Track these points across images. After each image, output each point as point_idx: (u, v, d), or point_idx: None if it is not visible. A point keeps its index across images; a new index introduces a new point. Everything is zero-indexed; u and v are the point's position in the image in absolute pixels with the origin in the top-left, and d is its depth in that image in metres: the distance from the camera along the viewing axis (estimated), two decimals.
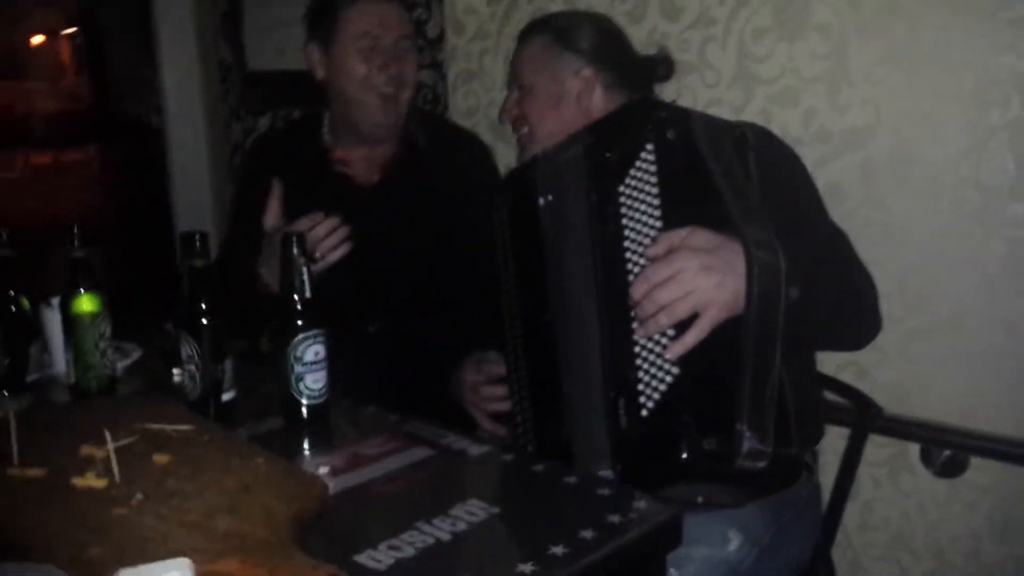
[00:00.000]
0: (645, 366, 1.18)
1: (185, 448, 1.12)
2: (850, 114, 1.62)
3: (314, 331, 1.26)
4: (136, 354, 1.52)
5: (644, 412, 1.17)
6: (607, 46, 1.54)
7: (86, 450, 1.09)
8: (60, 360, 1.41)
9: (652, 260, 1.14)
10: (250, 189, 1.83)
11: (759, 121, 1.61)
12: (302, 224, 1.49)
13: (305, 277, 1.26)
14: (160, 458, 1.08)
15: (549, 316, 1.30)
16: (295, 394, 1.26)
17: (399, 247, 1.76)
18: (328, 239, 1.51)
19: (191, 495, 1.00)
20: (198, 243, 1.25)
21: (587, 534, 0.96)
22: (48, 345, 1.44)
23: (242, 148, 2.88)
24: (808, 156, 1.52)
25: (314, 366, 1.26)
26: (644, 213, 1.20)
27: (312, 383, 1.27)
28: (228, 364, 1.28)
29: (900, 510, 1.73)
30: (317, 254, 1.47)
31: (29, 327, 1.40)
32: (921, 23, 1.54)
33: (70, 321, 1.35)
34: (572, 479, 1.10)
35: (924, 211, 1.57)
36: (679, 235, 1.14)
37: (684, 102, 1.98)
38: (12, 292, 1.38)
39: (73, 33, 7.55)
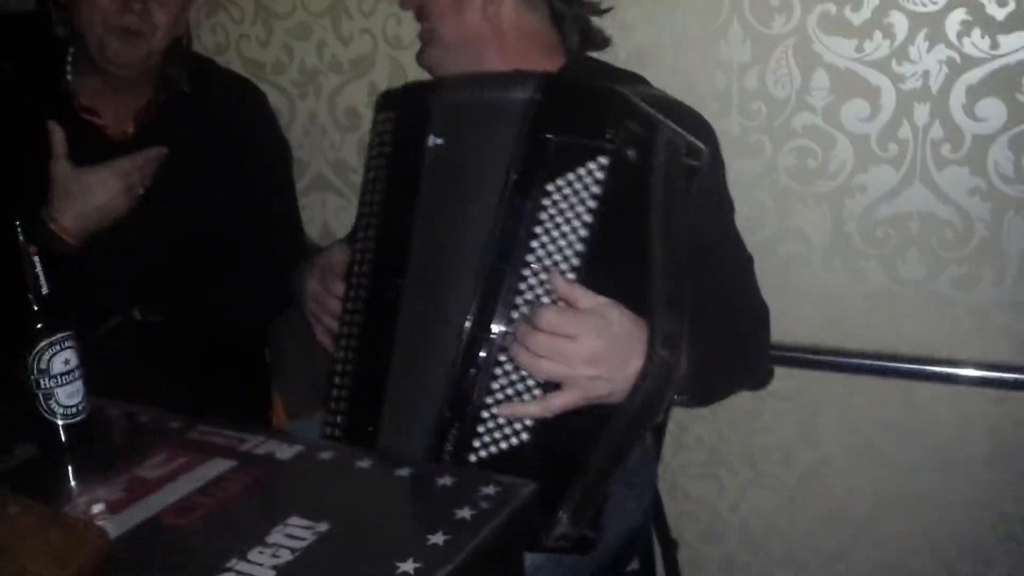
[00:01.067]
0: (493, 408, 1.05)
1: None
2: None
3: (60, 334, 1.01)
4: None
5: (473, 457, 1.05)
6: None
7: None
8: None
9: (560, 300, 1.02)
10: None
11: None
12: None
13: (39, 269, 1.00)
14: None
15: (403, 283, 1.12)
16: (47, 415, 1.02)
17: (161, 210, 1.50)
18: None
19: None
20: None
21: (437, 539, 0.82)
22: None
23: None
24: None
25: (66, 377, 1.02)
26: (564, 231, 1.04)
27: (67, 398, 1.02)
28: None
29: (713, 427, 1.74)
30: None
31: None
32: None
33: None
34: (405, 472, 0.96)
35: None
36: (597, 300, 1.02)
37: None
38: None
39: None
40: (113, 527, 0.87)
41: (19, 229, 0.99)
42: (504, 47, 1.30)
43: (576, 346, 1.00)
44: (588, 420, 1.03)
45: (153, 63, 1.52)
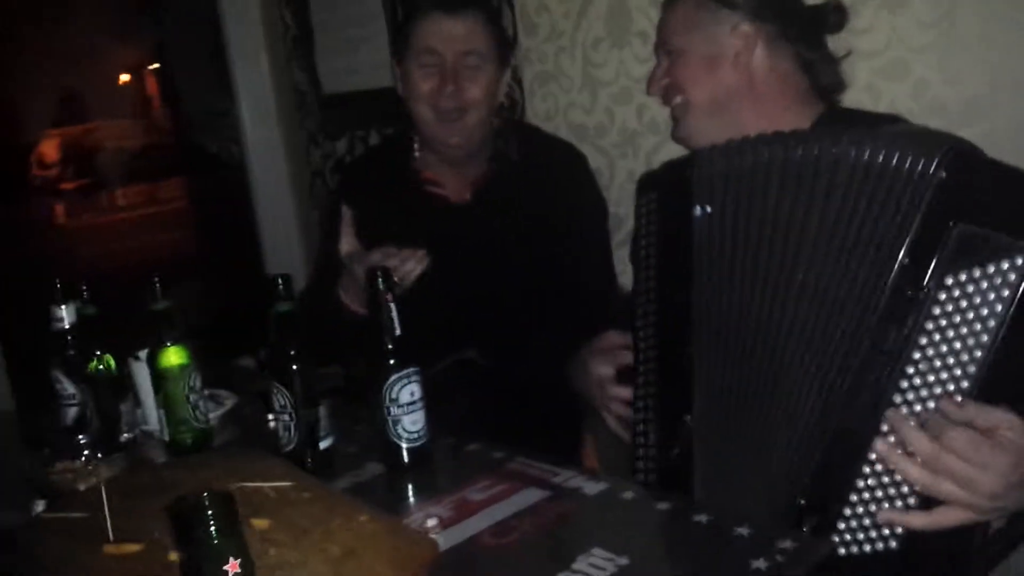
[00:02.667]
0: (860, 507, 1.02)
1: (284, 508, 1.04)
2: None
3: (408, 370, 1.18)
4: (230, 402, 1.47)
5: (839, 551, 1.02)
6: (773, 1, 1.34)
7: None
8: (153, 416, 1.37)
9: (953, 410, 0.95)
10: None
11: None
12: (374, 258, 1.42)
13: (394, 314, 1.18)
14: (259, 523, 1.01)
15: (692, 350, 1.15)
16: (394, 438, 1.19)
17: (496, 266, 1.68)
18: (406, 264, 1.43)
19: (295, 565, 0.93)
20: (281, 287, 1.19)
21: None
22: (140, 401, 1.40)
23: (322, 174, 2.85)
24: None
25: (411, 407, 1.18)
26: (963, 333, 0.97)
27: (410, 425, 1.19)
28: (322, 410, 1.22)
29: None
30: (396, 278, 1.40)
31: (117, 385, 1.36)
32: None
33: (158, 376, 1.30)
34: (703, 518, 0.99)
35: None
36: (1003, 419, 0.93)
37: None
38: (97, 351, 1.34)
39: (155, 69, 7.76)
40: (442, 540, 1.00)
41: (379, 279, 1.18)
42: (759, 98, 1.30)
43: (986, 479, 0.93)
44: (963, 535, 0.97)
45: (479, 138, 1.71)
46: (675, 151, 1.91)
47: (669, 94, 1.40)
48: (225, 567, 0.66)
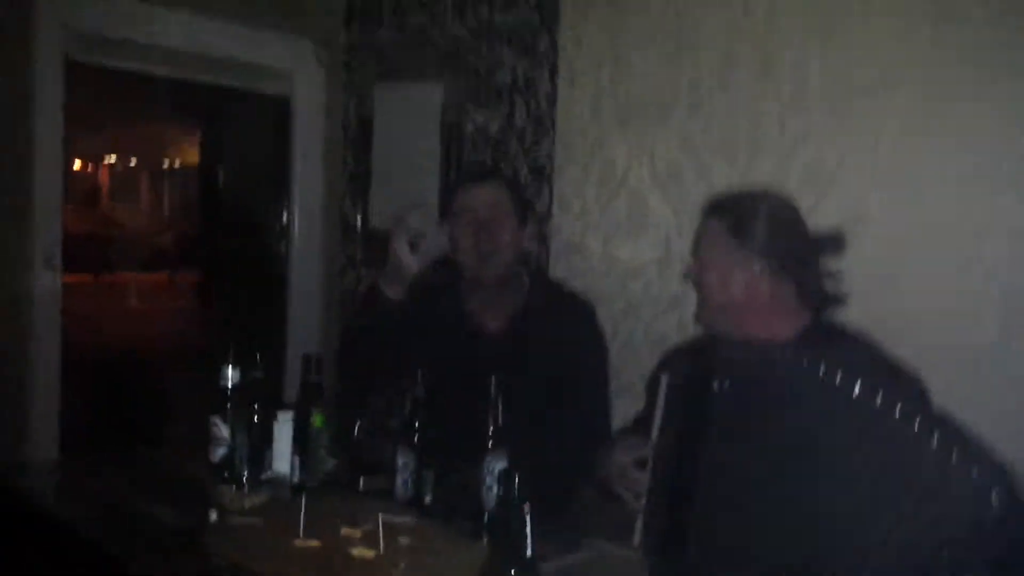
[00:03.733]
0: None
1: (415, 532, 1.49)
2: None
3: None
4: (332, 462, 1.90)
5: None
6: (780, 236, 1.67)
7: (345, 531, 1.47)
8: (284, 463, 1.79)
9: None
10: (397, 320, 2.24)
11: None
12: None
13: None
14: (403, 539, 1.45)
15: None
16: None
17: (517, 383, 2.15)
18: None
19: (438, 569, 1.37)
20: (420, 376, 1.66)
21: None
22: (274, 450, 1.81)
23: (352, 294, 3.32)
24: None
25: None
26: None
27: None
28: (430, 474, 1.67)
29: None
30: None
31: (266, 434, 1.78)
32: None
33: (302, 431, 1.74)
34: None
35: None
36: None
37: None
38: (255, 406, 1.77)
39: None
40: None
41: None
42: (758, 310, 1.70)
43: None
44: None
45: (509, 276, 2.23)
46: (669, 323, 2.46)
47: (697, 288, 1.83)
48: None
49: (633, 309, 2.55)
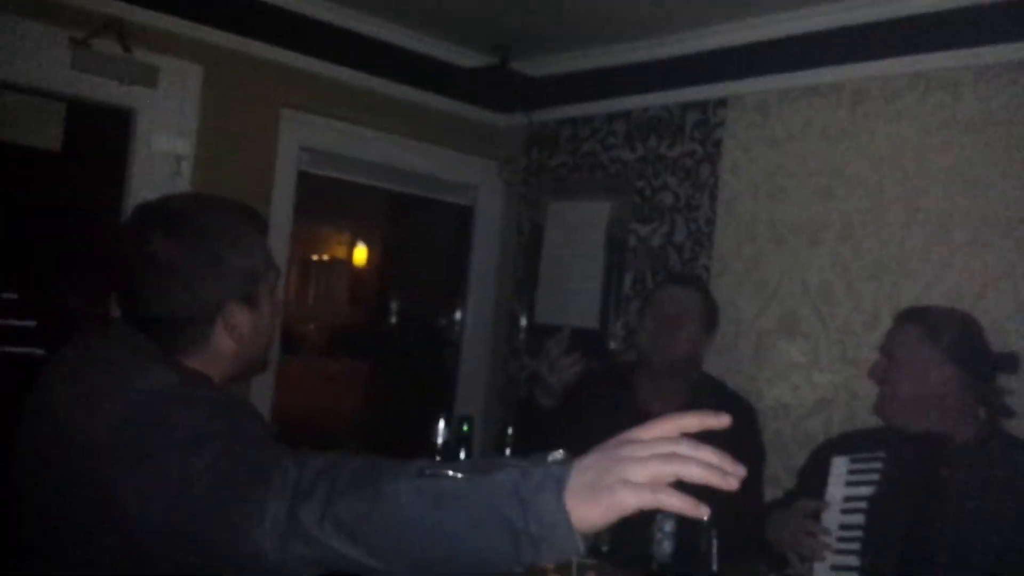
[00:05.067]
0: None
1: (598, 567, 1.78)
2: None
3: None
4: None
5: None
6: (967, 345, 1.88)
7: None
8: None
9: None
10: (573, 405, 2.56)
11: None
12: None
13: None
14: (590, 573, 1.75)
15: None
16: None
17: None
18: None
19: None
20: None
21: None
22: None
23: (516, 382, 3.68)
24: None
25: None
26: None
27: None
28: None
29: None
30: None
31: None
32: None
33: None
34: None
35: None
36: None
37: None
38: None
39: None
40: None
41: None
42: (944, 408, 1.90)
43: None
44: None
45: (682, 370, 2.51)
46: (813, 426, 2.70)
47: (882, 383, 1.98)
48: None
49: (782, 408, 2.80)
